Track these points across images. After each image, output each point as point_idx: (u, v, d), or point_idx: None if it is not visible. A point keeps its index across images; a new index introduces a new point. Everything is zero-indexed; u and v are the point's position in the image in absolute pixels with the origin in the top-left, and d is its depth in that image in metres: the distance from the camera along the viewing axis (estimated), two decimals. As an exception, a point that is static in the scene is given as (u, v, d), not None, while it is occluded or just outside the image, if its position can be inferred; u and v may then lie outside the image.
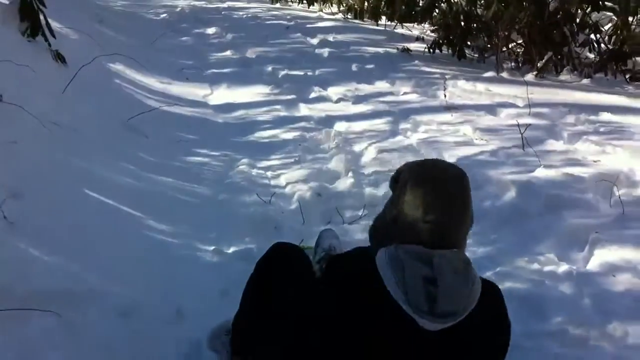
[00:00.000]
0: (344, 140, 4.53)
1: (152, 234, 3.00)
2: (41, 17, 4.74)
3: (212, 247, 2.92)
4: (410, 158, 4.02)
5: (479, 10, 7.78)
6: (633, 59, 7.10)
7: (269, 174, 4.00)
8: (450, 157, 3.96)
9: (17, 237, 2.36)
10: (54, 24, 5.12)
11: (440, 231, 1.56)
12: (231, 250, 2.92)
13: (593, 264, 2.77)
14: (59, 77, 4.26)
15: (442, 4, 8.18)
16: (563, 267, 2.73)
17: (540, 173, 3.62)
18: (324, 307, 1.65)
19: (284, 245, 2.18)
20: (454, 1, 8.08)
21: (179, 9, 11.48)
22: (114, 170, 3.54)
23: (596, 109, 5.01)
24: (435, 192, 1.59)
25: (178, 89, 6.05)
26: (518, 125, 4.11)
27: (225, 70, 6.99)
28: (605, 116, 4.80)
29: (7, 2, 4.89)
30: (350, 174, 3.88)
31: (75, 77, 4.23)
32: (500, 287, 1.67)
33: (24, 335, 1.92)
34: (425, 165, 1.73)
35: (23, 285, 2.10)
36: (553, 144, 4.20)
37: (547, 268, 2.73)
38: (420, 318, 1.46)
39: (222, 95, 6.03)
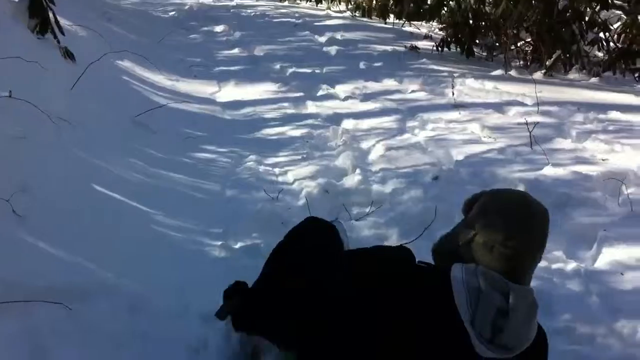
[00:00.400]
0: (352, 138, 4.53)
1: (161, 229, 3.01)
2: (50, 14, 4.76)
3: (220, 243, 2.93)
4: (418, 156, 4.05)
5: (487, 8, 7.75)
6: (642, 57, 7.07)
7: (276, 170, 4.00)
8: (458, 154, 3.97)
9: (26, 231, 2.37)
10: (63, 21, 5.14)
11: (516, 260, 1.56)
12: (238, 245, 2.93)
13: (601, 262, 2.76)
14: (67, 74, 4.27)
15: (451, 2, 8.16)
16: (571, 265, 2.72)
17: (549, 171, 3.61)
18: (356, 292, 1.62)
19: (320, 220, 2.19)
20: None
21: (187, 7, 11.50)
22: (123, 166, 3.56)
23: (605, 107, 4.99)
24: (521, 221, 1.58)
25: (186, 86, 6.06)
26: (526, 123, 4.10)
27: (233, 68, 7.00)
28: (614, 115, 4.78)
29: (17, 0, 4.91)
30: (357, 171, 3.88)
31: (84, 74, 4.24)
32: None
33: (34, 327, 1.93)
34: (511, 194, 1.74)
35: (32, 279, 2.11)
36: (561, 142, 4.19)
37: (555, 266, 2.73)
38: (479, 343, 1.47)
39: (230, 92, 6.04)
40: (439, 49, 7.63)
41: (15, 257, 2.20)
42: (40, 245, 2.35)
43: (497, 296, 1.48)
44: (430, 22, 9.52)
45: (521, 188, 3.37)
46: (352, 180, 3.80)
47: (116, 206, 3.04)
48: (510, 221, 1.58)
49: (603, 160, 3.85)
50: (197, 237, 2.99)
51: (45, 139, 3.20)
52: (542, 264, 2.72)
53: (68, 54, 4.74)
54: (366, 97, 5.63)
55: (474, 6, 7.75)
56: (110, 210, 2.98)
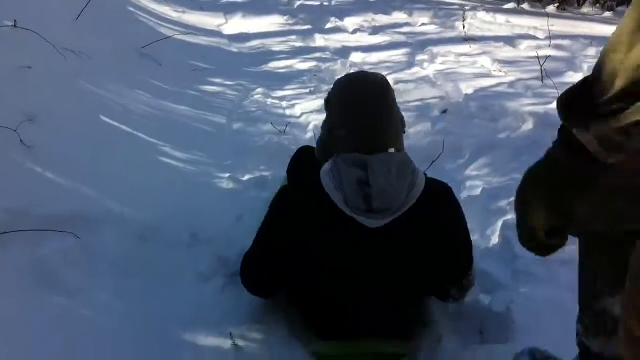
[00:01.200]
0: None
1: (168, 161, 3.00)
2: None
3: (228, 175, 2.93)
4: (427, 89, 4.01)
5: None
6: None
7: (283, 104, 3.98)
8: (467, 88, 3.92)
9: (34, 161, 2.37)
10: (67, -52, 5.03)
11: (365, 134, 1.66)
12: (246, 177, 2.92)
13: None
14: (73, 3, 4.20)
15: None
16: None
17: (559, 105, 3.56)
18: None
19: (308, 148, 2.31)
20: None
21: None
22: (129, 98, 3.53)
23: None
24: (355, 98, 1.69)
25: (192, 18, 5.98)
26: (538, 57, 4.03)
27: (239, 0, 6.88)
28: (628, 49, 4.68)
29: None
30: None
31: (90, 3, 4.17)
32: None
33: (42, 255, 1.94)
34: (348, 77, 1.82)
35: (40, 208, 2.12)
36: (572, 76, 4.11)
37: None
38: (358, 216, 1.59)
39: (237, 24, 5.97)
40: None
41: (23, 187, 2.20)
42: (48, 175, 2.35)
43: (354, 170, 1.59)
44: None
45: (531, 122, 3.36)
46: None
47: (124, 137, 3.03)
48: (347, 103, 1.70)
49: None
50: (205, 169, 2.99)
51: (51, 69, 3.17)
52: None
53: (72, -17, 4.66)
54: (375, 30, 5.55)
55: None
56: (118, 141, 2.97)
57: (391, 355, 1.75)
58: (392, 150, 1.66)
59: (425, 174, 1.70)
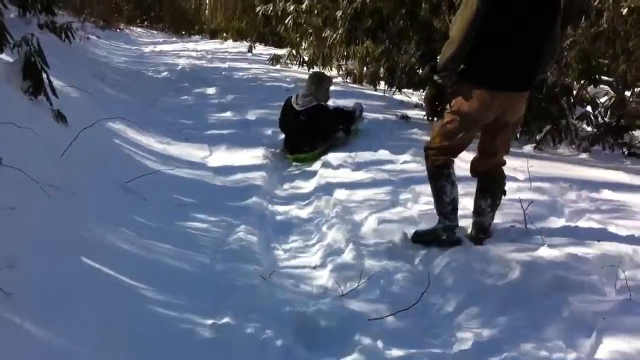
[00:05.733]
0: (344, 209, 4.50)
1: (148, 305, 2.92)
2: (44, 76, 4.75)
3: (210, 322, 2.83)
4: (411, 229, 4.00)
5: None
6: (630, 132, 7.16)
7: (273, 244, 3.96)
8: (452, 231, 3.92)
9: (12, 310, 2.28)
10: (56, 82, 5.14)
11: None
12: (229, 324, 2.83)
13: (601, 353, 2.69)
14: (59, 139, 4.23)
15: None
16: (571, 355, 2.65)
17: (544, 252, 3.56)
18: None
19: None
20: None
21: (179, 67, 11.62)
22: (112, 236, 3.48)
23: (596, 185, 5.00)
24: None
25: (177, 149, 6.05)
26: (520, 201, 4.08)
27: (224, 132, 7.02)
28: (606, 193, 4.77)
29: (11, 60, 4.91)
30: (350, 245, 3.82)
31: (77, 138, 4.21)
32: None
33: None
34: None
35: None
36: (555, 222, 4.15)
37: (555, 355, 2.66)
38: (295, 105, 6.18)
39: (221, 157, 6.04)
40: (430, 119, 7.66)
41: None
42: (26, 326, 2.25)
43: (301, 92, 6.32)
44: (421, 91, 9.62)
45: (517, 269, 3.34)
46: (343, 254, 3.75)
47: (105, 281, 2.96)
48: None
49: (598, 241, 3.81)
50: (187, 315, 2.90)
51: (34, 208, 3.14)
52: (542, 352, 2.68)
53: (60, 117, 4.72)
54: (358, 166, 5.62)
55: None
56: (98, 284, 2.89)
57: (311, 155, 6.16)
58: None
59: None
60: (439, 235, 3.80)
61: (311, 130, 6.22)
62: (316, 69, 11.20)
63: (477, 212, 3.89)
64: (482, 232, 3.90)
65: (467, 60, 3.43)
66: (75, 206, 3.50)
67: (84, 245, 3.19)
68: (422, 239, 3.86)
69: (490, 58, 3.42)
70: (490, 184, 3.88)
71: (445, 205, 3.81)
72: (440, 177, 3.81)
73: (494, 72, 3.45)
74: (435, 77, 3.55)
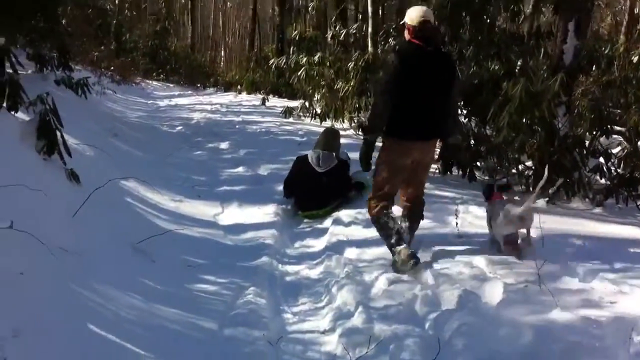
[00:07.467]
0: (354, 269, 4.46)
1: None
2: (58, 135, 4.81)
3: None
4: (421, 292, 3.96)
5: (488, 131, 7.84)
6: (644, 185, 7.09)
7: (283, 307, 3.95)
8: (465, 294, 3.86)
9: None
10: (71, 141, 5.21)
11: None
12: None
13: None
14: (71, 199, 4.28)
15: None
16: None
17: (557, 315, 3.50)
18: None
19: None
20: (463, 123, 8.20)
21: (194, 122, 11.75)
22: (119, 302, 3.48)
23: (611, 242, 4.93)
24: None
25: (189, 207, 6.07)
26: (535, 260, 4.04)
27: (236, 188, 7.05)
28: (620, 251, 4.71)
29: (27, 119, 4.98)
30: (360, 308, 3.78)
31: (88, 198, 4.24)
32: None
33: None
34: None
35: None
36: (568, 282, 4.08)
37: None
38: (315, 166, 6.32)
39: (232, 214, 6.05)
40: (441, 172, 7.68)
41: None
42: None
43: (315, 153, 6.39)
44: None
45: (530, 333, 3.28)
46: (353, 317, 3.71)
47: (111, 349, 2.94)
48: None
49: (612, 303, 3.75)
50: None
51: (43, 273, 3.15)
52: None
53: (73, 176, 4.77)
54: (368, 224, 5.58)
55: (474, 130, 7.88)
56: (104, 354, 2.87)
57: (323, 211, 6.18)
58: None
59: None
60: (404, 262, 4.43)
61: (332, 189, 6.28)
62: (329, 124, 11.32)
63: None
64: None
65: (387, 122, 4.50)
66: (83, 270, 3.51)
67: (91, 310, 3.18)
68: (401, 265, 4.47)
69: (402, 119, 4.49)
70: (410, 210, 4.85)
71: (391, 241, 4.59)
72: (380, 221, 4.69)
73: (405, 128, 4.53)
74: (366, 137, 4.75)
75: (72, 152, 4.98)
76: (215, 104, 15.76)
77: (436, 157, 6.92)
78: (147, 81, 21.81)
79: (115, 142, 7.84)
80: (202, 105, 15.33)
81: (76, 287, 3.32)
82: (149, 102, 16.02)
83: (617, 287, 3.98)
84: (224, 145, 9.59)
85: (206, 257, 4.69)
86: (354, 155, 7.64)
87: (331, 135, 6.79)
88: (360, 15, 18.30)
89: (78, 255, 3.62)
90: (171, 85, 23.03)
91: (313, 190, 6.18)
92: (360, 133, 11.02)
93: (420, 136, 4.61)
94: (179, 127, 11.12)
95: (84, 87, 8.98)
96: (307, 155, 6.51)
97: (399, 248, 4.50)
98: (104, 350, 2.88)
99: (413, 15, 4.52)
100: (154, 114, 13.04)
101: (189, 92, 20.66)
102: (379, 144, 4.70)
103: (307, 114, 12.48)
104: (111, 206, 4.92)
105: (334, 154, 6.46)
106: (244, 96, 18.61)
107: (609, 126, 7.33)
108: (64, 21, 11.42)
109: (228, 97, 18.12)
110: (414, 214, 4.87)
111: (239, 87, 20.89)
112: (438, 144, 5.47)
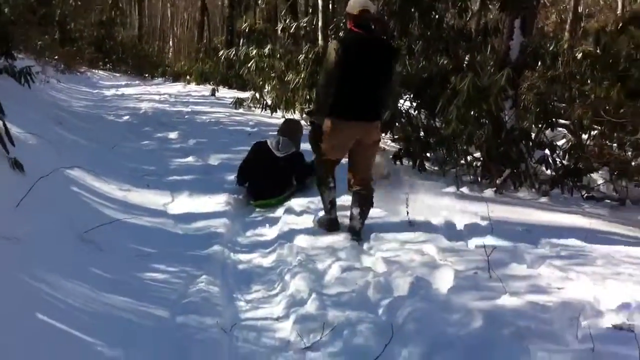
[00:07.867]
0: (307, 257, 4.45)
1: (104, 364, 2.83)
2: (0, 123, 4.66)
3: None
4: (374, 279, 3.98)
5: (437, 124, 7.95)
6: (588, 175, 7.31)
7: (235, 294, 3.89)
8: (417, 280, 3.89)
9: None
10: (14, 129, 5.04)
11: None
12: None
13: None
14: (15, 188, 4.14)
15: (402, 119, 8.35)
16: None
17: (506, 300, 3.56)
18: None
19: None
20: (414, 115, 8.30)
21: (142, 112, 11.54)
22: (67, 290, 3.38)
23: (556, 230, 5.06)
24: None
25: (138, 196, 5.96)
26: (484, 247, 4.11)
27: (186, 177, 6.96)
28: (566, 239, 4.82)
29: (-33, 108, 4.81)
30: (313, 295, 3.77)
31: (33, 187, 4.11)
32: None
33: None
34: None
35: None
36: (516, 269, 4.16)
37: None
38: (275, 150, 6.34)
39: (183, 203, 5.96)
40: (394, 162, 7.74)
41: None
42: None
43: (276, 138, 6.44)
44: (383, 135, 9.70)
45: (479, 318, 3.33)
46: (306, 304, 3.70)
47: (59, 338, 2.86)
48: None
49: (559, 288, 3.84)
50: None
51: (-16, 262, 3.04)
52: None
53: (17, 165, 4.62)
54: (320, 212, 5.59)
55: (424, 122, 7.98)
56: (53, 343, 2.79)
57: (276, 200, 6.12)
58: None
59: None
60: (323, 224, 5.16)
61: (288, 176, 6.35)
62: (280, 115, 11.28)
63: (351, 217, 5.11)
64: (354, 234, 5.02)
65: (331, 104, 4.87)
66: (29, 259, 3.40)
67: (37, 298, 3.09)
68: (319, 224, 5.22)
69: (344, 101, 4.85)
70: (360, 196, 5.10)
71: (326, 203, 5.23)
72: (323, 184, 5.23)
73: (347, 109, 4.88)
74: (312, 119, 5.19)
75: (15, 141, 4.82)
76: (164, 94, 15.54)
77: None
78: (93, 70, 21.35)
79: (60, 131, 7.63)
80: (150, 95, 15.10)
81: (22, 275, 3.23)
82: (95, 91, 15.69)
83: (564, 273, 4.07)
84: (172, 135, 9.45)
85: (156, 246, 4.61)
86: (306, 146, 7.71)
87: (294, 126, 6.89)
88: (311, 9, 18.30)
89: (24, 244, 3.51)
90: (118, 75, 22.60)
91: (269, 176, 6.19)
92: (308, 123, 11.04)
93: (362, 117, 4.94)
94: (126, 117, 10.91)
95: (27, 75, 8.73)
96: (266, 141, 6.59)
97: (329, 217, 5.19)
98: (51, 338, 2.80)
99: (354, 5, 4.84)
100: (100, 104, 12.77)
101: (137, 82, 20.32)
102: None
103: (258, 105, 12.40)
104: (57, 195, 4.79)
105: (294, 143, 6.57)
106: (192, 86, 18.39)
107: (553, 119, 7.56)
108: (6, 10, 11.06)
109: (176, 87, 17.89)
110: (364, 199, 5.11)
111: (187, 77, 20.63)
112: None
